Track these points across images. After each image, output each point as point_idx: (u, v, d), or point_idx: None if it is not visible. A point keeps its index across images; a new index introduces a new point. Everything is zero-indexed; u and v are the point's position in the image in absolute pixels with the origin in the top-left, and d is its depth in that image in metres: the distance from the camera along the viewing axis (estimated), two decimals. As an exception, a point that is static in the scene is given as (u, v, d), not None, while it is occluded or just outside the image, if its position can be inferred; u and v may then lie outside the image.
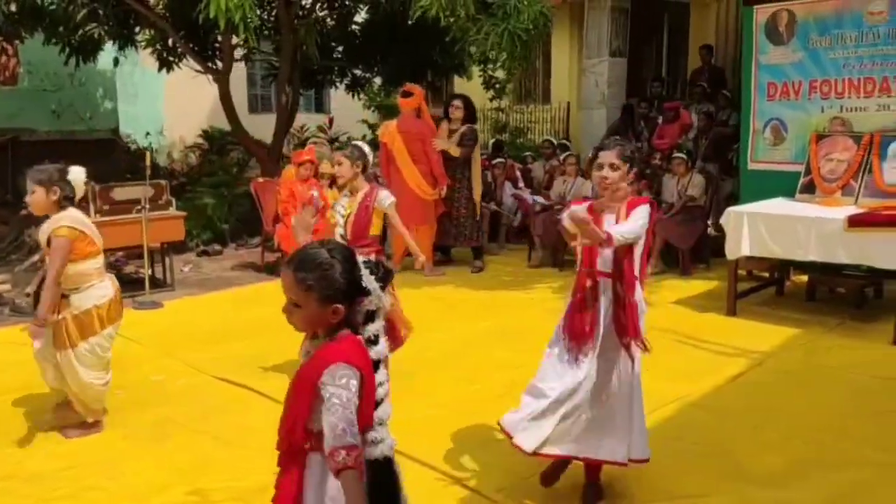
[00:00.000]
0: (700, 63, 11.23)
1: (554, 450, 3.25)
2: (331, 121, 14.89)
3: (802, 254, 5.82)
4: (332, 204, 4.76)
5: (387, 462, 2.11)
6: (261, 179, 8.82)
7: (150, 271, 8.02)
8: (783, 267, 6.86)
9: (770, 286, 6.98)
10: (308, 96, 18.40)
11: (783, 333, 5.75)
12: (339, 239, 4.53)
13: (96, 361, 3.95)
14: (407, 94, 8.08)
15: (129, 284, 7.64)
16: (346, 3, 11.22)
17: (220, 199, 9.52)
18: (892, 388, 4.70)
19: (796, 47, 6.69)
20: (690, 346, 5.47)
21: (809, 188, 6.50)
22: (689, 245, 7.84)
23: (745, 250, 6.11)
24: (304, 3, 10.35)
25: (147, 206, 6.78)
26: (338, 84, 12.78)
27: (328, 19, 11.16)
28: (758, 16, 6.92)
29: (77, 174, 3.98)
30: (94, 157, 8.07)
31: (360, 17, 11.81)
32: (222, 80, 10.05)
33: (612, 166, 3.14)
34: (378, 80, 13.11)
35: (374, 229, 4.52)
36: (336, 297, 1.98)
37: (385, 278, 2.10)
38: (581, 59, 13.32)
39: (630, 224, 3.06)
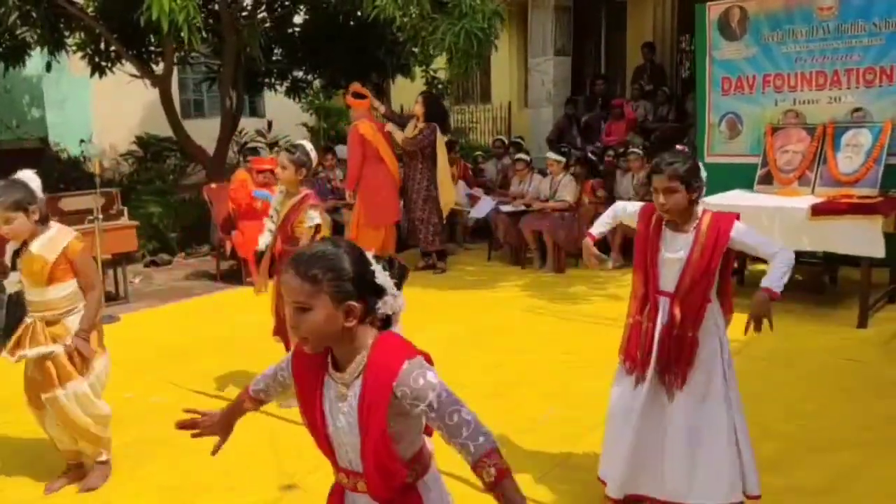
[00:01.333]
0: (642, 61, 11.45)
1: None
2: (269, 124, 14.60)
3: (768, 243, 5.97)
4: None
5: None
6: (213, 185, 8.55)
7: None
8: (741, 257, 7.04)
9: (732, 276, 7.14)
10: (243, 100, 18.04)
11: (753, 321, 5.88)
12: (267, 234, 4.45)
13: (100, 386, 3.66)
14: (359, 96, 7.99)
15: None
16: (286, 3, 11.02)
17: (166, 208, 9.20)
18: (863, 370, 4.87)
19: (749, 42, 6.87)
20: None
21: (767, 179, 6.68)
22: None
23: (712, 242, 6.22)
24: (245, 3, 10.11)
25: (101, 215, 6.49)
26: (278, 87, 12.55)
27: (267, 21, 10.94)
28: (710, 13, 7.09)
29: (33, 181, 3.48)
30: (23, 168, 7.62)
31: (300, 17, 11.62)
32: (163, 83, 9.71)
33: (668, 190, 2.87)
34: (319, 83, 12.94)
35: (300, 232, 4.35)
36: (349, 293, 1.71)
37: (401, 276, 1.86)
38: (522, 58, 13.47)
39: (775, 272, 2.96)
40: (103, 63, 10.37)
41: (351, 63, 11.54)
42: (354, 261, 1.74)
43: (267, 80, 12.22)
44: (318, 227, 4.35)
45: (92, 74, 10.50)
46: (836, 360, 5.06)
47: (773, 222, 5.91)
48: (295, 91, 12.59)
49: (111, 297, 7.19)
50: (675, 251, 3.00)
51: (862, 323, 5.68)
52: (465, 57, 7.58)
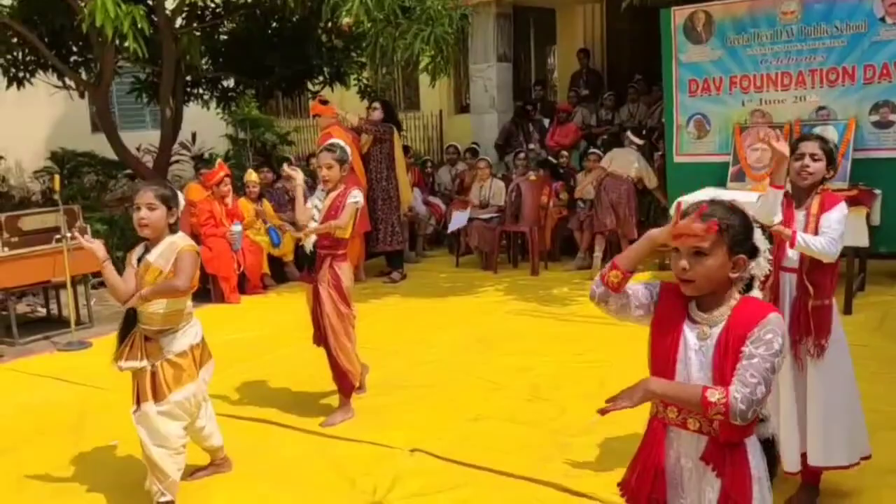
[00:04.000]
0: (578, 66, 11.69)
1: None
2: (193, 136, 14.02)
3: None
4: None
5: (770, 443, 2.01)
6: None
7: (50, 308, 7.23)
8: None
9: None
10: (155, 111, 17.27)
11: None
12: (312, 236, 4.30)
13: (184, 415, 3.39)
14: (325, 102, 7.81)
15: (30, 326, 6.81)
16: (217, 10, 10.62)
17: (110, 226, 8.66)
18: (874, 353, 5.09)
19: (715, 45, 7.13)
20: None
21: (740, 177, 6.95)
22: (629, 238, 8.12)
23: (699, 238, 6.41)
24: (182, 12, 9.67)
25: (68, 234, 6.03)
26: (206, 97, 12.08)
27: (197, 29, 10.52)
28: (675, 17, 7.31)
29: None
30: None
31: (231, 24, 11.24)
32: (101, 95, 9.16)
33: (814, 157, 3.12)
34: (251, 93, 12.53)
35: (342, 233, 4.28)
36: (742, 247, 1.90)
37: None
38: (452, 65, 13.47)
39: (824, 240, 3.01)
40: (20, 74, 9.71)
41: (285, 71, 11.25)
42: (747, 219, 1.94)
43: (195, 90, 11.75)
44: (359, 209, 4.30)
45: (8, 86, 9.81)
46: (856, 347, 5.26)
47: (755, 215, 6.13)
48: (225, 101, 12.16)
49: (66, 323, 6.67)
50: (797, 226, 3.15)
51: (847, 310, 5.96)
52: (444, 63, 7.56)
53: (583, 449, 3.81)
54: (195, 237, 7.48)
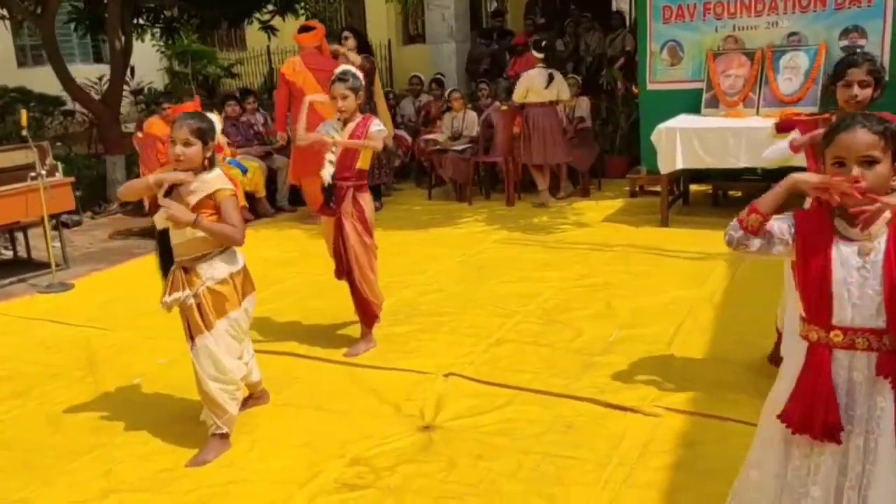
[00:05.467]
0: (533, -6, 11.62)
1: None
2: (132, 70, 13.38)
3: (734, 162, 6.40)
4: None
5: None
6: (140, 133, 7.80)
7: (16, 250, 6.95)
8: (683, 179, 7.51)
9: (679, 198, 7.58)
10: (85, 44, 16.40)
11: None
12: (329, 168, 4.24)
13: (236, 345, 3.35)
14: (306, 29, 7.53)
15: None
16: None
17: (69, 165, 8.28)
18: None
19: (689, -29, 7.18)
20: (669, 257, 5.82)
21: (713, 103, 7.10)
22: (587, 167, 8.26)
23: (679, 164, 6.57)
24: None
25: (44, 171, 5.77)
26: (147, 29, 11.54)
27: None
28: (649, -57, 7.31)
29: (217, 124, 3.35)
30: None
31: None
32: (47, 24, 8.64)
33: (862, 84, 3.07)
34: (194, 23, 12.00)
35: (363, 163, 4.26)
36: None
37: None
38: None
39: None
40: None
41: (231, 1, 10.81)
42: None
43: (136, 20, 11.18)
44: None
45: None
46: None
47: (739, 141, 6.33)
48: (168, 32, 11.64)
49: (45, 265, 6.43)
50: None
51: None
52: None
53: (609, 367, 3.96)
54: (165, 173, 7.30)
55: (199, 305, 3.22)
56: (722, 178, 7.32)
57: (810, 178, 2.00)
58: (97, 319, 5.19)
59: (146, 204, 8.00)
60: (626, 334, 4.39)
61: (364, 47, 7.92)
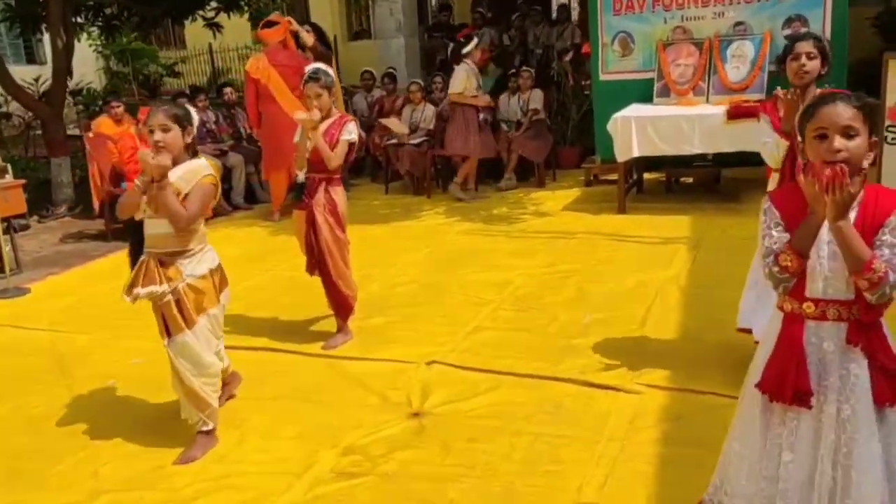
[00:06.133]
0: (479, -12, 11.68)
1: None
2: (70, 70, 13.01)
3: (689, 148, 6.58)
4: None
5: None
6: (90, 134, 7.60)
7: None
8: (637, 167, 7.67)
9: (634, 186, 7.74)
10: (16, 45, 15.89)
11: (682, 221, 6.44)
12: (303, 164, 4.24)
13: (214, 340, 3.31)
14: (270, 24, 7.44)
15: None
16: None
17: (13, 167, 8.02)
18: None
19: (638, -36, 7.35)
20: (631, 242, 5.95)
21: (665, 92, 7.29)
22: (542, 158, 8.36)
23: (636, 152, 6.72)
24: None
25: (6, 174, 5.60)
26: (85, 28, 11.26)
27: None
28: (599, -65, 7.45)
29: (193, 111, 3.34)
30: None
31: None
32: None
33: (809, 55, 3.23)
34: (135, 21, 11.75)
35: (329, 163, 4.24)
36: (873, 130, 2.01)
37: None
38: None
39: None
40: None
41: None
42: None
43: (75, 18, 10.89)
44: (352, 145, 4.22)
45: None
46: None
47: (693, 128, 6.50)
48: (108, 31, 11.37)
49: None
50: None
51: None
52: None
53: (587, 349, 4.04)
54: (119, 175, 7.15)
55: (177, 302, 3.15)
56: (674, 165, 7.51)
57: (824, 214, 1.96)
58: (61, 323, 5.06)
59: (96, 206, 7.84)
60: (600, 317, 4.48)
61: (323, 42, 7.88)
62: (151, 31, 12.46)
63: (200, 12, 11.05)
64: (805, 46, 3.30)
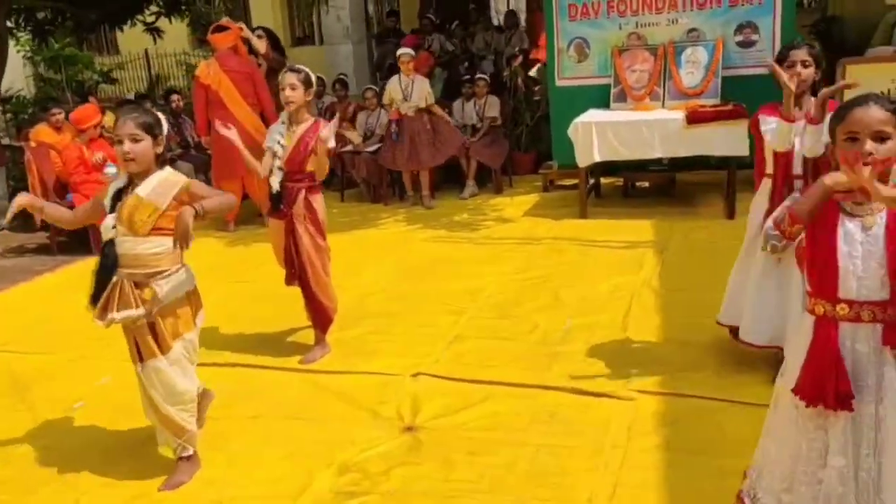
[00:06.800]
0: (426, -5, 11.65)
1: None
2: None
3: (650, 152, 6.62)
4: None
5: None
6: (33, 143, 7.23)
7: None
8: (594, 171, 7.72)
9: (591, 190, 7.78)
10: (7, 44, 15.13)
11: (645, 225, 6.48)
12: (276, 172, 4.12)
13: (189, 366, 3.10)
14: (220, 29, 7.20)
15: None
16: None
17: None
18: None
19: (592, -30, 7.40)
20: (598, 247, 5.94)
21: (621, 97, 7.34)
22: (499, 164, 8.34)
23: (597, 156, 6.74)
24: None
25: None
26: (16, 33, 10.78)
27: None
28: (553, -58, 7.48)
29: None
30: None
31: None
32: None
33: (804, 63, 3.28)
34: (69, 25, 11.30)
35: (312, 165, 4.14)
36: None
37: None
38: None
39: None
40: None
41: (112, 1, 10.26)
42: None
43: (5, 22, 10.41)
44: (331, 150, 4.09)
45: None
46: (736, 243, 5.70)
47: (653, 132, 6.55)
48: (41, 36, 10.91)
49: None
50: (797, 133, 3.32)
51: (731, 215, 6.55)
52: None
53: (573, 355, 4.01)
54: (63, 187, 6.84)
55: (151, 325, 2.96)
56: (631, 169, 7.58)
57: (841, 177, 1.98)
58: (12, 342, 4.78)
59: (36, 219, 7.49)
60: (580, 322, 4.46)
61: (277, 47, 7.71)
62: (86, 37, 11.97)
63: (140, 17, 10.69)
64: (800, 54, 3.37)
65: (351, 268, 5.81)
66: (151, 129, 2.95)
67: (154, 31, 10.69)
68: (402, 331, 4.51)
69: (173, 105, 8.79)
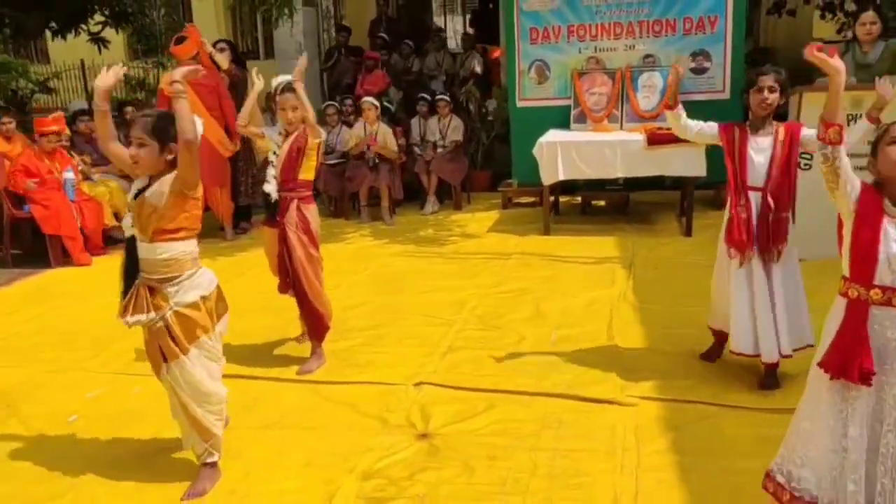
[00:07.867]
0: (377, 13, 11.72)
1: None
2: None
3: (612, 171, 6.86)
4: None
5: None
6: (-12, 152, 6.95)
7: None
8: (554, 190, 7.93)
9: (553, 207, 7.97)
10: None
11: (607, 241, 6.66)
12: (272, 181, 4.16)
13: (215, 367, 3.09)
14: (181, 40, 7.09)
15: None
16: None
17: None
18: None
19: (554, -5, 7.66)
20: (568, 263, 6.11)
21: (581, 119, 7.58)
22: (459, 181, 8.48)
23: (561, 175, 6.94)
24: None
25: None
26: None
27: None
28: (516, -33, 7.70)
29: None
30: None
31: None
32: None
33: (772, 89, 3.47)
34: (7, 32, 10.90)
35: (307, 173, 4.20)
36: None
37: None
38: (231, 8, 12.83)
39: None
40: None
41: (52, 8, 9.96)
42: None
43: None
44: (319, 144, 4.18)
45: None
46: (696, 259, 5.93)
47: (614, 153, 6.80)
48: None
49: None
50: (760, 151, 3.58)
51: (688, 232, 6.84)
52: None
53: (566, 364, 4.12)
54: (17, 196, 6.63)
55: (168, 329, 2.96)
56: (589, 188, 7.82)
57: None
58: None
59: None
60: (565, 334, 4.59)
61: (237, 60, 7.66)
62: (24, 44, 11.56)
63: (84, 26, 10.41)
64: (767, 81, 3.56)
65: (327, 281, 5.80)
66: (160, 133, 2.94)
67: (99, 41, 10.42)
68: (392, 342, 4.55)
69: (127, 116, 8.58)
